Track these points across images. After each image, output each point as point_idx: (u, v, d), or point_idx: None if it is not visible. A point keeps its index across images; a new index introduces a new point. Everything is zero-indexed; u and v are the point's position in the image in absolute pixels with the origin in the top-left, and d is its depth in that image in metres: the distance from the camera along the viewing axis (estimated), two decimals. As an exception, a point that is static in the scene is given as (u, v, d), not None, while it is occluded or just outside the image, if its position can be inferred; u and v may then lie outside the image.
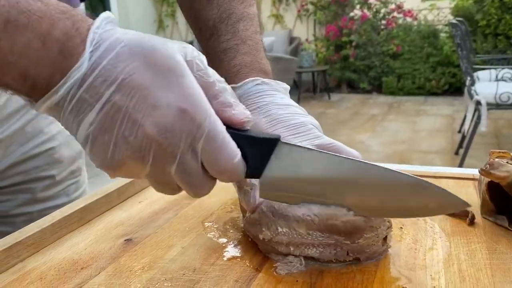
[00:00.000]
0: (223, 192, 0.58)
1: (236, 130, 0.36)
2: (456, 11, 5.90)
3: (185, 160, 0.34)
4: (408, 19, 6.44)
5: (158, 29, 7.71)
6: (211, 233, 0.49)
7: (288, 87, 0.51)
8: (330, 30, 6.46)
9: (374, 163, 0.39)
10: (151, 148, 0.33)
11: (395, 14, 6.45)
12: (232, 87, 0.49)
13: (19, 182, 0.64)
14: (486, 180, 0.48)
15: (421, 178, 0.39)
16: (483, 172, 0.47)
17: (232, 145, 0.35)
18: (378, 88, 6.53)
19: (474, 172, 0.61)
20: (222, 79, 0.37)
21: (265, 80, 0.49)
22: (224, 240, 0.47)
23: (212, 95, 0.35)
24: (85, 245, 0.48)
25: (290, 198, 0.40)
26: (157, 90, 0.33)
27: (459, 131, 3.89)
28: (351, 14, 6.59)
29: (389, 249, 0.43)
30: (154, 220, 0.53)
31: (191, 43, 0.36)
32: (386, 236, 0.42)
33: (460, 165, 3.09)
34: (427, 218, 0.50)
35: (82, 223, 0.53)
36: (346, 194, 0.40)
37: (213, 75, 0.36)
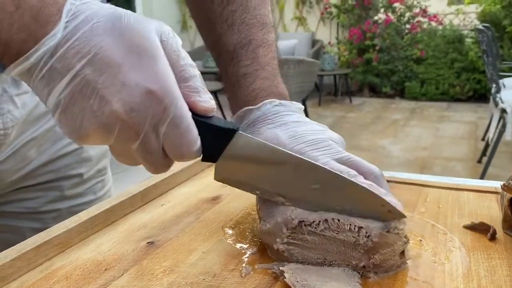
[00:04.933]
0: (243, 198, 0.59)
1: (198, 117, 0.37)
2: (482, 16, 5.79)
3: (148, 140, 0.35)
4: (433, 24, 6.35)
5: (182, 29, 7.79)
6: (230, 239, 0.50)
7: (302, 107, 0.53)
8: (354, 34, 6.42)
9: (322, 165, 0.41)
10: (116, 125, 0.34)
11: (419, 18, 6.37)
12: (251, 109, 0.50)
13: (49, 180, 0.66)
14: (508, 195, 0.48)
15: (365, 187, 0.40)
16: (505, 187, 0.47)
17: (194, 133, 0.36)
18: (400, 92, 6.46)
19: (497, 185, 0.61)
20: (194, 65, 0.37)
21: (282, 101, 0.50)
22: (243, 246, 0.48)
23: (181, 78, 0.36)
24: (109, 246, 0.49)
25: (243, 186, 0.42)
26: (128, 69, 0.33)
27: (483, 139, 3.82)
28: (375, 17, 6.54)
29: (407, 262, 0.43)
30: (175, 224, 0.54)
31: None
32: (403, 251, 0.42)
33: (483, 173, 3.04)
34: (447, 231, 0.50)
35: (107, 224, 0.54)
36: (292, 188, 0.41)
37: (186, 58, 0.36)
